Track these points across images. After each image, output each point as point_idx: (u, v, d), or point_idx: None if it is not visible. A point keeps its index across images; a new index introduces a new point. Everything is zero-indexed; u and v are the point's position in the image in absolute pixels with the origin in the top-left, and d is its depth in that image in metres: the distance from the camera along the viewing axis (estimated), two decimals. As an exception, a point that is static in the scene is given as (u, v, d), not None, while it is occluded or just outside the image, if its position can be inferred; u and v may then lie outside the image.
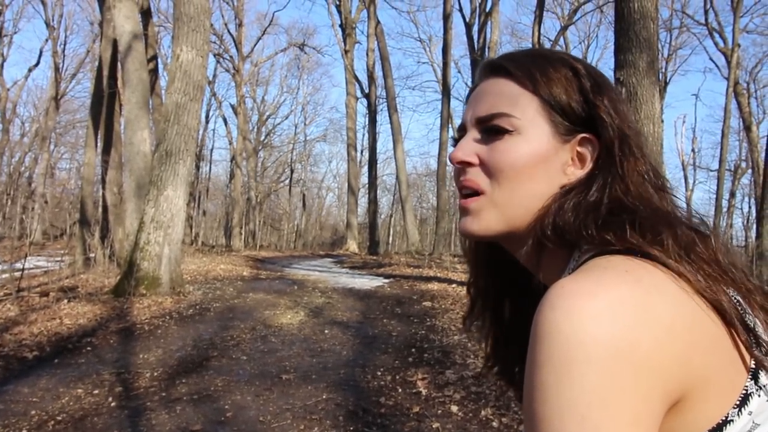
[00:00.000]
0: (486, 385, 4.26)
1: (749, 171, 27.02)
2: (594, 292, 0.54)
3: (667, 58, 28.55)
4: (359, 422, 3.69)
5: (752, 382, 0.57)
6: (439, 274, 11.53)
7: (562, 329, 0.52)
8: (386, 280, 11.11)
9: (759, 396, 0.57)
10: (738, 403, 0.56)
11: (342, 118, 31.06)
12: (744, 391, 0.56)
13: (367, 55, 23.96)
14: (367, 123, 24.95)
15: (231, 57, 29.27)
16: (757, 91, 28.37)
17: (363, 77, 25.60)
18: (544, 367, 0.52)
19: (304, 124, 39.84)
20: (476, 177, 0.71)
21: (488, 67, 0.75)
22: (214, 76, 31.49)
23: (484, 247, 0.81)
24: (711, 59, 48.08)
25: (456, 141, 0.76)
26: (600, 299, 0.53)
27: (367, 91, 24.74)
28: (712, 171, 30.14)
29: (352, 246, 24.31)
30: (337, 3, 25.71)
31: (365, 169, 26.79)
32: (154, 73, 16.69)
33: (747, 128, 25.59)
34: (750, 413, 0.56)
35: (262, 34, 31.39)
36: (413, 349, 5.44)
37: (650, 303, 0.54)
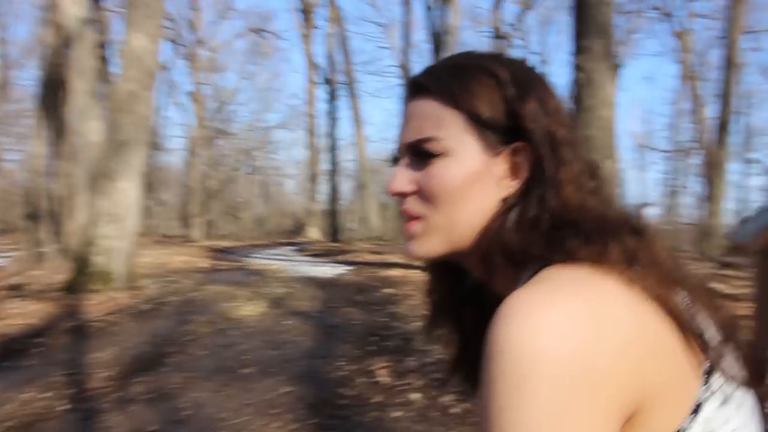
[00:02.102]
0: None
1: (698, 152, 27.85)
2: (548, 304, 0.52)
3: (622, 42, 29.06)
4: (321, 415, 3.66)
5: (705, 387, 0.56)
6: (400, 260, 11.55)
7: (514, 344, 0.50)
8: (348, 268, 11.09)
9: (712, 401, 0.56)
10: (692, 410, 0.55)
11: (302, 104, 30.65)
12: (698, 397, 0.56)
13: (326, 40, 23.69)
14: (327, 109, 24.71)
15: (186, 42, 28.50)
16: (707, 74, 29.13)
17: (323, 62, 25.33)
18: (496, 384, 0.50)
19: (263, 110, 39.29)
20: (414, 205, 0.70)
21: (412, 87, 0.73)
22: (170, 62, 30.61)
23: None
24: (664, 43, 49.17)
25: (395, 160, 0.74)
26: (554, 311, 0.51)
27: (327, 76, 24.50)
28: (664, 152, 30.94)
29: (314, 233, 24.20)
30: (294, -13, 25.28)
31: (326, 155, 26.59)
32: (104, 60, 16.13)
33: (696, 111, 26.34)
34: (704, 420, 0.55)
35: (219, 19, 30.65)
36: (375, 338, 5.44)
37: (605, 314, 0.53)
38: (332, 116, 24.48)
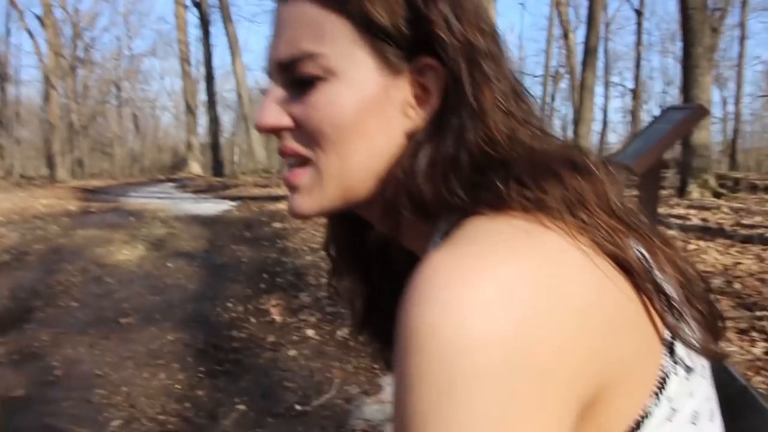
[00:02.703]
0: (341, 305, 4.24)
1: (567, 76, 29.32)
2: (477, 274, 0.38)
3: (498, -34, 29.31)
4: (210, 361, 3.49)
5: (669, 357, 0.46)
6: (288, 193, 11.34)
7: (438, 334, 0.37)
8: (233, 203, 10.70)
9: (676, 374, 0.46)
10: (656, 388, 0.45)
11: (172, 29, 28.34)
12: (661, 372, 0.45)
13: (192, -44, 21.75)
14: (200, 35, 23.02)
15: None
16: (575, 0, 30.34)
17: (191, -17, 23.31)
18: (418, 387, 0.37)
19: (128, 37, 36.04)
20: (294, 143, 0.54)
21: None
22: (9, -20, 26.80)
23: None
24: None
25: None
26: (486, 283, 0.38)
27: (196, -2, 22.65)
28: (536, 77, 32.24)
29: (195, 168, 23.08)
30: None
31: (202, 85, 25.06)
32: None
33: (565, 36, 27.53)
34: (669, 398, 0.45)
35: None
36: (265, 275, 5.26)
37: (554, 280, 0.40)
38: (206, 43, 22.89)
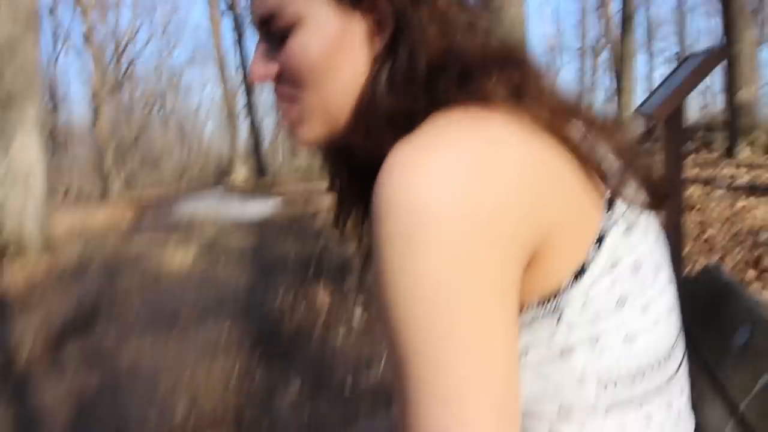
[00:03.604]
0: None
1: (608, 47, 28.54)
2: (429, 152, 0.47)
3: (525, -59, 28.71)
4: (266, 345, 3.66)
5: (609, 213, 0.54)
6: (331, 187, 11.47)
7: (398, 199, 0.46)
8: (279, 201, 10.93)
9: (616, 228, 0.53)
10: (597, 240, 0.52)
11: (209, 38, 29.01)
12: (602, 226, 0.53)
13: (222, -36, 22.15)
14: (235, 41, 23.48)
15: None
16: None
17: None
18: (385, 246, 0.46)
19: (169, 49, 37.02)
20: (284, 89, 0.63)
21: None
22: (54, 6, 27.97)
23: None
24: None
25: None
26: (436, 159, 0.46)
27: (230, 2, 23.09)
28: (576, 50, 31.48)
29: (241, 172, 23.57)
30: None
31: (242, 90, 25.53)
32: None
33: (602, 5, 26.74)
34: (609, 248, 0.53)
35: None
36: (312, 265, 5.42)
37: (494, 152, 0.48)
38: (241, 48, 23.33)
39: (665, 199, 0.60)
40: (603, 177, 0.54)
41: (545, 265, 0.51)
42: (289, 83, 0.62)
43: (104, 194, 22.92)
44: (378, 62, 0.58)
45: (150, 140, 37.60)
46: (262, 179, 20.55)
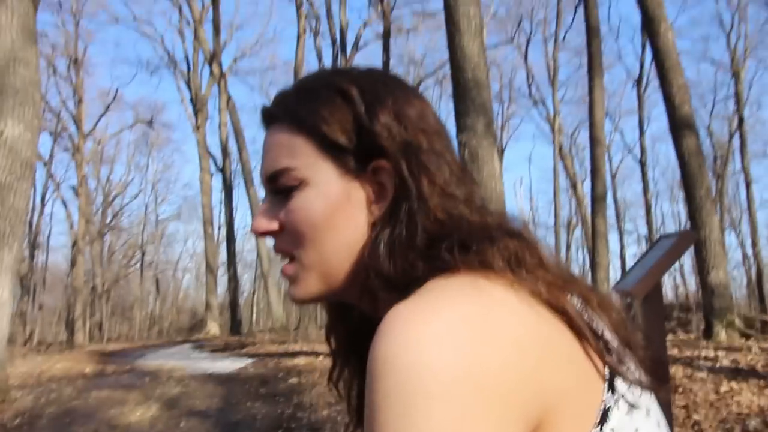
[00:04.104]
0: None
1: (579, 225, 29.97)
2: (429, 314, 0.46)
3: (502, 127, 31.42)
4: None
5: (609, 393, 0.51)
6: (305, 348, 11.19)
7: (396, 361, 0.44)
8: (249, 360, 10.54)
9: (618, 408, 0.51)
10: (599, 420, 0.50)
11: (196, 195, 29.94)
12: (603, 405, 0.50)
13: (219, 129, 23.64)
14: (223, 198, 24.30)
15: (70, 135, 27.36)
16: (578, 154, 31.92)
17: (217, 152, 25.11)
18: (381, 408, 0.44)
19: (155, 203, 37.98)
20: (283, 243, 0.65)
21: (264, 117, 0.68)
22: (51, 155, 29.08)
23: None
24: (538, 127, 53.81)
25: None
26: (438, 320, 0.46)
27: (221, 165, 24.25)
28: (549, 227, 32.92)
29: (213, 328, 23.02)
30: (187, 79, 25.36)
31: (223, 246, 25.86)
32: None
33: (573, 187, 28.58)
34: (612, 430, 0.50)
35: (105, 111, 29.81)
36: (280, 431, 5.07)
37: (493, 319, 0.47)
38: (228, 205, 24.06)
39: (665, 379, 0.58)
40: (601, 354, 0.52)
41: None
42: (290, 239, 0.64)
43: (69, 343, 21.98)
44: (378, 227, 0.60)
45: (124, 291, 37.08)
46: (234, 335, 20.01)
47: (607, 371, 0.52)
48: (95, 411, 6.44)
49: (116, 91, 34.69)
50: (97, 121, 29.65)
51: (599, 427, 0.49)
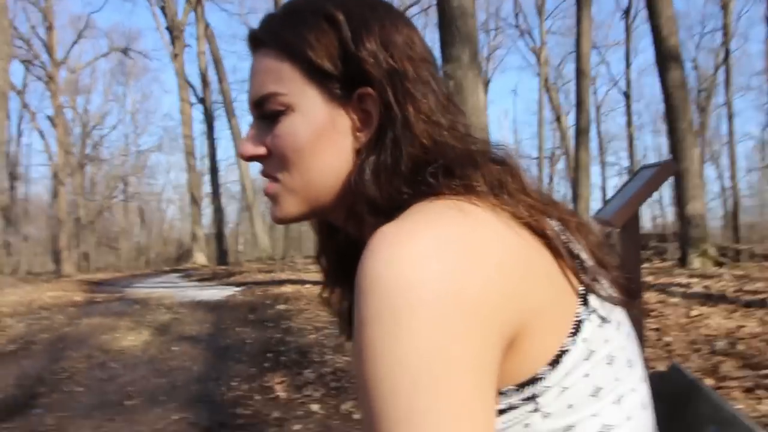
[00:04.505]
0: (345, 379, 4.22)
1: (563, 157, 30.09)
2: (415, 234, 0.50)
3: (487, 58, 30.88)
4: (216, 438, 3.46)
5: (583, 307, 0.56)
6: (291, 277, 11.38)
7: (383, 278, 0.47)
8: (237, 289, 10.72)
9: (591, 321, 0.56)
10: (572, 331, 0.54)
11: (177, 125, 29.39)
12: (576, 318, 0.55)
13: (198, 58, 22.96)
14: (205, 129, 23.92)
15: (42, 63, 26.42)
16: (563, 86, 31.62)
17: (197, 82, 24.50)
18: (369, 324, 0.47)
19: (135, 134, 37.30)
20: (269, 167, 0.67)
21: (249, 41, 0.68)
22: (24, 85, 28.21)
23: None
24: (524, 58, 52.84)
25: None
26: (422, 240, 0.49)
27: (201, 95, 23.73)
28: (533, 159, 32.98)
29: (200, 258, 23.20)
30: (162, 4, 24.33)
31: (207, 177, 25.65)
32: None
33: (558, 119, 28.49)
34: (584, 340, 0.55)
35: (78, 38, 28.78)
36: (269, 354, 5.26)
37: (476, 239, 0.51)
38: (210, 137, 23.73)
39: (636, 296, 0.64)
40: (576, 272, 0.57)
41: (523, 351, 0.52)
42: (275, 163, 0.65)
43: (57, 273, 22.09)
44: (363, 153, 0.62)
45: (109, 222, 36.93)
46: (221, 265, 20.23)
47: (581, 288, 0.57)
48: (88, 337, 6.59)
49: (88, 17, 33.29)
50: (70, 49, 28.74)
51: (573, 338, 0.54)
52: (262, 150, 0.66)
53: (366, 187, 0.60)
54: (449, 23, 6.19)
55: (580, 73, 14.75)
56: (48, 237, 31.49)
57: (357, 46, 0.61)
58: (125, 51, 31.35)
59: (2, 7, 7.46)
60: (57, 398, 4.47)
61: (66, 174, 26.10)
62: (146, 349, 5.96)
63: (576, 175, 16.10)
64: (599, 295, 0.58)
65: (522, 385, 0.54)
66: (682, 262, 8.97)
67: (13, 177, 28.30)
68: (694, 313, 5.40)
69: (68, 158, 26.55)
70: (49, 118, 26.99)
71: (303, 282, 10.01)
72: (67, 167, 26.28)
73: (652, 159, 33.89)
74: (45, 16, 25.93)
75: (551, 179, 32.49)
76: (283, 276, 11.81)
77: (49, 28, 25.97)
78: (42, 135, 29.38)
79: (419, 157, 0.59)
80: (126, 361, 5.48)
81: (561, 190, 33.58)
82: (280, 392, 4.18)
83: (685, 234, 9.03)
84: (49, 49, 25.86)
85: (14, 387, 4.78)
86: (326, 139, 0.62)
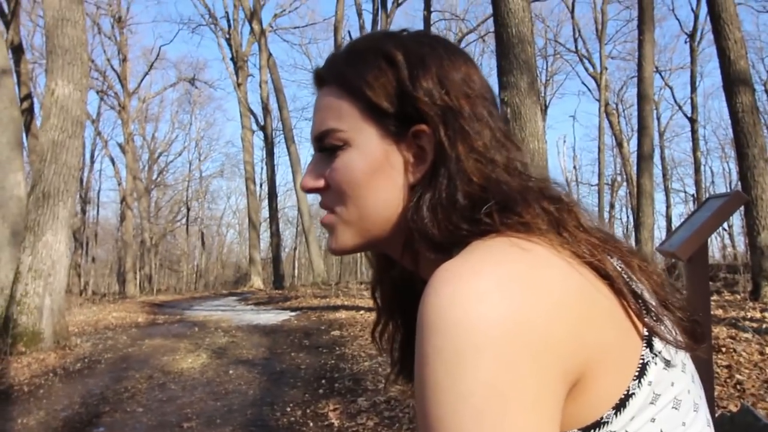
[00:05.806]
0: (399, 409, 4.18)
1: (624, 184, 29.26)
2: (477, 271, 0.49)
3: (545, 83, 30.59)
4: (269, 464, 3.47)
5: (647, 350, 0.54)
6: (346, 302, 11.41)
7: (447, 316, 0.47)
8: (293, 313, 10.84)
9: (656, 364, 0.54)
10: (637, 374, 0.53)
11: (239, 152, 30.38)
12: (641, 361, 0.53)
13: (260, 87, 23.69)
14: (264, 155, 24.56)
15: (116, 93, 27.94)
16: (625, 111, 30.92)
17: (258, 110, 25.27)
18: (432, 361, 0.47)
19: (199, 160, 38.69)
20: (327, 199, 0.68)
21: (315, 80, 0.71)
22: (98, 114, 29.83)
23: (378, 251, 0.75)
24: (583, 83, 51.99)
25: None
26: (484, 277, 0.48)
27: (262, 123, 24.43)
28: (592, 185, 32.32)
29: (257, 282, 23.64)
30: (227, 37, 25.38)
31: (265, 202, 26.26)
32: (29, 112, 15.56)
33: (619, 145, 27.80)
34: (650, 383, 0.53)
35: (149, 69, 30.29)
36: (323, 380, 5.27)
37: (538, 277, 0.50)
38: (270, 163, 24.33)
39: (702, 340, 0.61)
40: (640, 314, 0.55)
41: (587, 394, 0.51)
42: (333, 195, 0.67)
43: (122, 294, 22.97)
44: (419, 189, 0.62)
45: (171, 245, 38.25)
46: (277, 289, 20.53)
47: (645, 331, 0.55)
48: (149, 357, 6.79)
49: (159, 49, 35.01)
50: (142, 79, 30.25)
51: (637, 381, 0.52)
52: (320, 183, 0.68)
53: (423, 223, 0.60)
54: (507, 51, 6.17)
55: (642, 98, 14.36)
56: (115, 259, 32.86)
57: (414, 85, 0.62)
58: (192, 81, 32.80)
59: (82, 42, 7.94)
60: (119, 417, 4.61)
61: (133, 198, 27.28)
62: (204, 371, 6.08)
63: (638, 203, 15.59)
64: (664, 339, 0.56)
65: (586, 429, 0.52)
66: (754, 295, 8.48)
67: (84, 201, 29.78)
68: (768, 350, 5.09)
69: (136, 183, 27.75)
70: (120, 146, 28.40)
71: (357, 308, 10.02)
72: (134, 192, 27.47)
73: (720, 185, 32.54)
74: (119, 49, 27.48)
75: (612, 207, 31.60)
76: (338, 301, 11.88)
77: (124, 60, 27.48)
78: (113, 161, 30.94)
79: (474, 194, 0.59)
80: (185, 383, 5.60)
81: (623, 218, 32.67)
82: (334, 419, 4.17)
83: (757, 265, 8.55)
84: (122, 80, 27.33)
85: (80, 405, 4.96)
86: (381, 174, 0.64)
